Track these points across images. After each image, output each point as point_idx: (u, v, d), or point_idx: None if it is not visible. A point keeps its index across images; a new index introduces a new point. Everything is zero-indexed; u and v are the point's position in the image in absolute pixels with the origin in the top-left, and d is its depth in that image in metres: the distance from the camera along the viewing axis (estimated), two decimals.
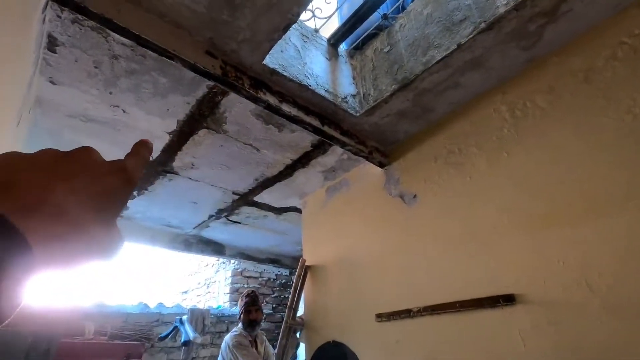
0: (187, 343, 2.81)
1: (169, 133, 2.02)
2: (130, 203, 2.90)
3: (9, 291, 0.16)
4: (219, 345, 3.83)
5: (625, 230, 1.19)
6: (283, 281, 5.12)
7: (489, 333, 1.45)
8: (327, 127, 1.83)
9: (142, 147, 0.30)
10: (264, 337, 2.61)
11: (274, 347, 2.47)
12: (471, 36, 1.42)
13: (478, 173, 1.68)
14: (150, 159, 2.23)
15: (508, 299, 1.41)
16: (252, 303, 2.45)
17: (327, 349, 2.20)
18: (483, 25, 1.38)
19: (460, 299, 1.57)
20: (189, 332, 2.88)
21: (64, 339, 1.78)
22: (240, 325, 2.44)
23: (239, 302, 2.56)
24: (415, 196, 1.95)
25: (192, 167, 2.38)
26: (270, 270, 5.05)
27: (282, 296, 4.99)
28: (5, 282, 0.16)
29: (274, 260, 4.55)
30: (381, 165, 2.18)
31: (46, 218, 0.19)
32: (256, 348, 2.40)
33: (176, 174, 2.46)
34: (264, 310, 4.74)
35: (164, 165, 2.35)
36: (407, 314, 1.78)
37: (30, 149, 1.40)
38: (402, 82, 1.67)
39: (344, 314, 2.17)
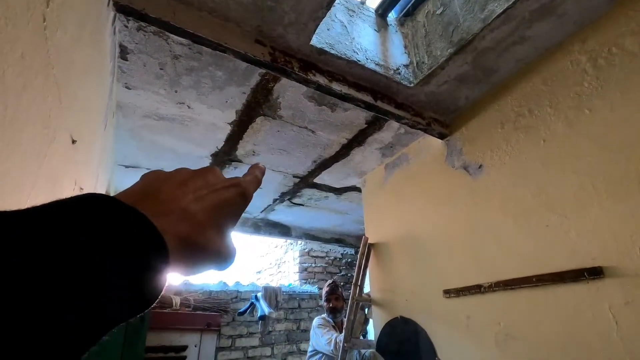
0: (263, 317, 3.05)
1: (230, 123, 2.14)
2: None
3: (154, 280, 0.20)
4: (292, 320, 4.09)
5: None
6: (349, 260, 5.21)
7: (572, 310, 1.33)
8: (381, 101, 1.79)
9: (255, 168, 0.35)
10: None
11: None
12: None
13: (554, 135, 1.51)
14: (216, 149, 2.41)
15: (594, 272, 1.27)
16: (331, 292, 2.70)
17: (396, 324, 2.21)
18: None
19: (536, 274, 1.46)
20: (264, 307, 3.11)
21: (156, 309, 2.05)
22: (325, 314, 2.73)
23: (322, 292, 2.86)
24: (480, 166, 1.83)
25: (253, 154, 2.51)
26: (336, 250, 5.17)
27: (348, 274, 5.09)
28: (150, 272, 0.20)
29: (338, 240, 4.64)
30: (441, 136, 2.07)
31: (176, 220, 0.23)
32: (341, 332, 2.60)
33: (240, 162, 2.61)
34: None
35: (228, 155, 2.51)
36: (477, 289, 1.70)
37: (117, 149, 1.61)
38: (458, 43, 1.55)
39: (410, 290, 2.15)
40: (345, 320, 2.67)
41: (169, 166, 2.66)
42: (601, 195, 1.31)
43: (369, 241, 2.55)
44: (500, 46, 1.55)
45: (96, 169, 1.77)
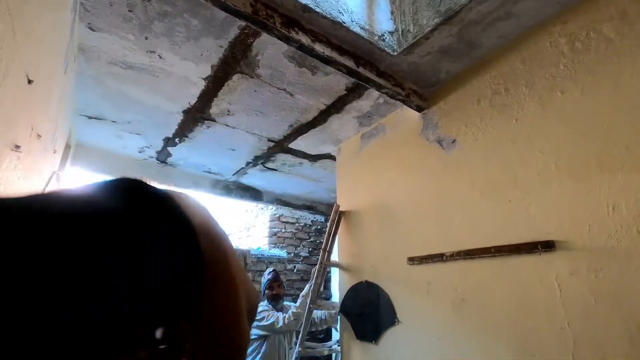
0: None
1: (204, 79, 2.03)
2: (173, 150, 3.05)
3: None
4: (259, 282, 4.17)
5: None
6: (318, 227, 5.31)
7: (524, 278, 1.44)
8: (362, 68, 1.75)
9: None
10: (292, 307, 2.81)
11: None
12: None
13: (526, 115, 1.56)
14: (188, 105, 2.30)
15: (547, 245, 1.37)
16: (273, 279, 2.73)
17: (360, 288, 2.31)
18: None
19: (495, 245, 1.55)
20: None
21: None
22: (265, 301, 2.71)
23: (262, 279, 2.85)
24: (454, 141, 1.87)
25: (228, 114, 2.42)
26: (306, 217, 5.24)
27: (317, 241, 5.21)
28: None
29: (309, 207, 4.69)
30: (419, 109, 2.08)
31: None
32: None
33: (213, 120, 2.52)
34: (302, 254, 5.03)
35: (201, 112, 2.41)
36: (439, 257, 1.80)
37: (79, 97, 1.48)
38: (445, 14, 1.52)
39: (377, 257, 2.24)
40: (285, 305, 2.80)
41: (135, 120, 2.53)
42: (562, 175, 1.38)
43: (340, 209, 2.59)
44: (486, 20, 1.54)
45: (55, 115, 1.64)
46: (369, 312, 2.18)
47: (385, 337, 2.04)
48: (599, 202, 1.26)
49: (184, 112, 2.40)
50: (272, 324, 2.46)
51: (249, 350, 2.55)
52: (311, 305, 2.39)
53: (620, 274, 1.18)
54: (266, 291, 2.72)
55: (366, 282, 2.27)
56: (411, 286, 1.95)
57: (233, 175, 3.65)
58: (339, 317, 2.50)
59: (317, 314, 2.71)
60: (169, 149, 3.02)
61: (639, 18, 1.26)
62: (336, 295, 3.08)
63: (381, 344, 2.06)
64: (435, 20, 1.56)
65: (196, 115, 2.45)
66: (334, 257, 2.69)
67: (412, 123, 2.16)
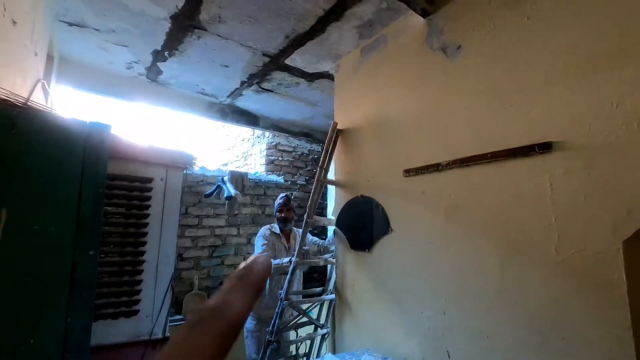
0: (229, 198, 3.15)
1: None
2: (163, 66, 2.91)
3: None
4: (257, 205, 4.30)
5: None
6: (315, 157, 5.32)
7: (517, 180, 1.47)
8: None
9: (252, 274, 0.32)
10: (298, 234, 3.03)
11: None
12: None
13: (539, 12, 1.46)
14: (176, 9, 2.13)
15: (544, 147, 1.37)
16: (284, 204, 2.98)
17: (356, 202, 2.38)
18: None
19: (493, 150, 1.56)
20: (230, 189, 3.19)
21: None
22: (275, 223, 3.01)
23: (275, 202, 3.08)
24: (459, 47, 1.78)
25: (219, 21, 2.25)
26: (304, 146, 5.23)
27: (314, 170, 5.26)
28: None
29: (307, 134, 4.65)
30: (424, 13, 1.94)
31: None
32: (287, 240, 2.98)
33: (204, 29, 2.35)
34: (299, 182, 5.11)
35: (190, 19, 2.24)
36: (435, 167, 1.82)
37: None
38: None
39: (373, 172, 2.27)
40: (294, 229, 3.04)
41: (120, 29, 2.36)
42: (570, 74, 1.33)
43: (337, 127, 2.56)
44: None
45: (30, 9, 1.51)
46: (364, 223, 2.27)
47: (378, 246, 2.15)
48: (603, 99, 1.23)
49: (172, 17, 2.23)
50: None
51: None
52: (308, 220, 2.48)
53: (614, 169, 1.20)
54: (277, 214, 2.99)
55: (362, 196, 2.33)
56: (406, 197, 2.00)
57: (228, 97, 3.54)
58: (333, 245, 2.65)
59: (313, 241, 2.96)
60: (159, 64, 2.87)
61: None
62: (330, 211, 3.19)
63: (374, 252, 2.18)
64: None
65: (185, 23, 2.28)
66: (331, 176, 2.72)
67: (416, 31, 2.04)
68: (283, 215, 2.96)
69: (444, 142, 1.81)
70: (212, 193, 3.43)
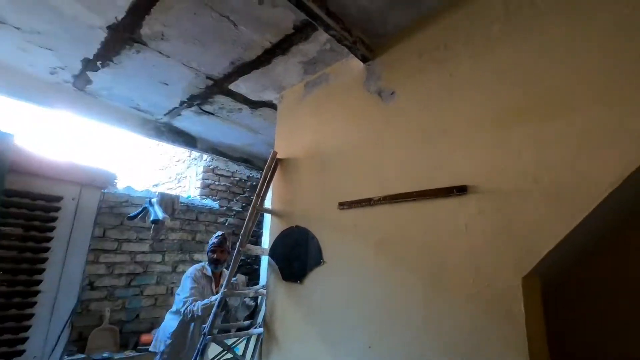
0: (155, 222, 2.93)
1: None
2: (94, 76, 2.70)
3: None
4: (188, 231, 4.05)
5: (578, 131, 1.26)
6: (254, 183, 5.25)
7: (439, 218, 1.59)
8: (312, 2, 1.69)
9: None
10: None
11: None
12: None
13: (461, 69, 1.66)
14: (115, 20, 2.03)
15: (461, 189, 1.52)
16: (218, 244, 2.81)
17: (291, 232, 2.36)
18: None
19: (419, 189, 1.68)
20: (158, 212, 2.98)
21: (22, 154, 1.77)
22: (206, 262, 2.85)
23: (209, 240, 2.91)
24: (393, 93, 1.94)
25: (162, 38, 2.19)
26: (243, 171, 5.13)
27: (251, 197, 5.16)
28: None
29: (247, 160, 4.59)
30: (364, 59, 2.10)
31: None
32: (216, 284, 2.81)
33: (145, 44, 2.26)
34: (235, 208, 4.95)
35: (130, 32, 2.14)
36: (367, 202, 1.90)
37: None
38: None
39: (310, 203, 2.29)
40: (225, 270, 2.88)
41: (47, 31, 2.17)
42: (484, 126, 1.52)
43: (277, 156, 2.57)
44: None
45: None
46: (297, 254, 2.26)
47: (310, 277, 2.14)
48: (508, 151, 1.42)
49: (109, 28, 2.12)
50: (182, 299, 2.57)
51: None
52: (241, 249, 2.39)
53: (516, 213, 1.36)
54: (209, 254, 2.82)
55: (297, 226, 2.32)
56: (339, 229, 2.04)
57: (165, 115, 3.38)
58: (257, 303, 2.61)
59: (235, 301, 2.77)
60: (89, 73, 2.67)
61: None
62: (266, 241, 3.11)
63: (306, 283, 2.15)
64: None
65: (124, 35, 2.18)
66: (268, 204, 2.69)
67: (356, 73, 2.18)
68: (215, 256, 2.80)
69: (377, 178, 1.91)
70: (136, 215, 3.17)
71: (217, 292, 2.70)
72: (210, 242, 2.84)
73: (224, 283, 2.32)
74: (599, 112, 1.23)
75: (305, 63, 2.37)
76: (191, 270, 2.74)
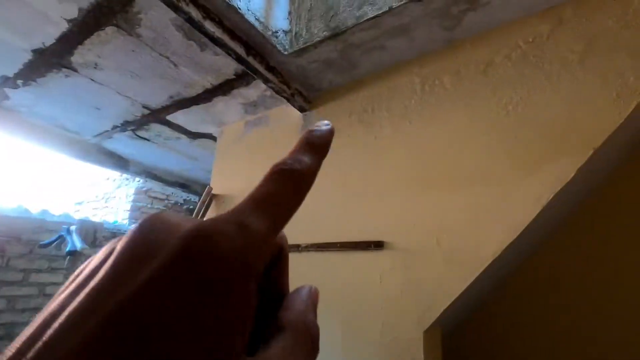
0: (72, 253, 2.70)
1: (68, 21, 1.74)
2: (12, 92, 2.49)
3: None
4: None
5: (470, 203, 1.47)
6: (191, 207, 5.07)
7: (358, 269, 1.72)
8: (252, 58, 1.78)
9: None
10: None
11: None
12: (403, 2, 1.47)
13: (383, 134, 1.85)
14: (42, 45, 1.92)
15: (378, 245, 1.67)
16: None
17: None
18: None
19: (341, 240, 1.80)
20: (76, 242, 2.76)
21: None
22: None
23: None
24: None
25: (95, 68, 2.12)
26: (179, 195, 4.95)
27: None
28: None
29: (183, 185, 4.45)
30: (301, 109, 2.23)
31: None
32: None
33: (75, 71, 2.16)
34: None
35: (59, 58, 2.04)
36: (296, 248, 1.97)
37: None
38: (333, 30, 1.68)
39: None
40: None
41: None
42: (400, 189, 1.70)
43: (212, 191, 2.56)
44: (365, 46, 1.76)
45: None
46: None
47: None
48: (417, 213, 1.60)
49: (34, 51, 2.00)
50: None
51: None
52: None
53: (421, 271, 1.53)
54: None
55: None
56: None
57: (95, 137, 3.19)
58: None
59: None
60: (6, 90, 2.46)
61: (466, 77, 1.64)
62: None
63: None
64: (325, 33, 1.71)
65: (52, 60, 2.07)
66: None
67: (294, 120, 2.30)
68: None
69: (306, 225, 2.00)
70: (50, 243, 2.90)
71: None
72: None
73: None
74: (483, 190, 1.46)
75: (245, 104, 2.44)
76: None
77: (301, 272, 1.92)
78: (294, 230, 2.01)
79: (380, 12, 1.53)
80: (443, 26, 1.60)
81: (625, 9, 1.33)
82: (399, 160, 1.75)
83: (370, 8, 1.57)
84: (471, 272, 1.42)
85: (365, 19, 1.58)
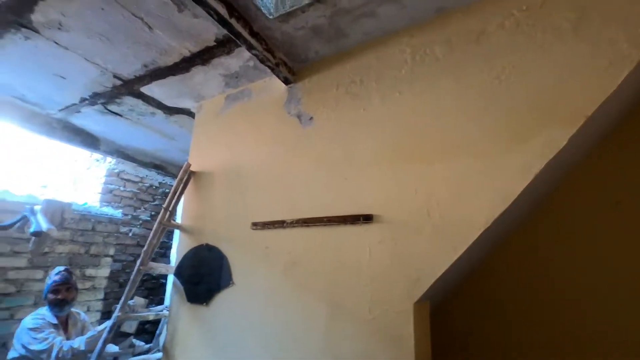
0: (37, 234, 2.51)
1: None
2: None
3: None
4: (80, 243, 3.56)
5: (460, 173, 1.45)
6: (166, 190, 4.87)
7: (346, 244, 1.67)
8: (235, 20, 1.66)
9: None
10: (80, 317, 2.48)
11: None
12: None
13: (371, 106, 1.79)
14: None
15: (367, 218, 1.62)
16: (62, 282, 2.31)
17: (200, 250, 2.25)
18: None
19: (328, 215, 1.75)
20: (41, 222, 2.56)
21: None
22: (46, 307, 2.29)
23: (48, 279, 2.37)
24: (311, 118, 1.99)
25: (59, 28, 1.92)
26: (153, 177, 4.73)
27: (162, 205, 4.79)
28: None
29: (159, 166, 4.26)
30: (286, 82, 2.13)
31: None
32: (66, 330, 2.30)
33: (36, 32, 1.96)
34: (142, 217, 4.52)
35: (17, 15, 1.84)
36: (280, 224, 1.90)
37: None
38: None
39: (222, 221, 2.21)
40: (74, 312, 2.46)
41: None
42: (389, 161, 1.65)
43: (190, 168, 2.44)
44: (355, 12, 1.68)
45: None
46: (205, 274, 2.15)
47: (216, 299, 2.05)
48: (408, 185, 1.56)
49: None
50: (45, 350, 2.04)
51: None
52: (141, 268, 2.19)
53: (410, 243, 1.50)
54: (49, 295, 2.27)
55: (207, 244, 2.22)
56: (251, 250, 2.01)
57: (60, 111, 2.96)
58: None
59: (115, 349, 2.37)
60: None
61: (457, 47, 1.59)
62: (174, 258, 2.91)
63: (212, 305, 2.06)
64: None
65: (8, 17, 1.86)
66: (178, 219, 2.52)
67: (278, 94, 2.20)
68: (60, 296, 2.26)
69: (291, 200, 1.93)
70: (11, 225, 2.68)
71: (68, 339, 2.20)
72: (51, 281, 2.31)
73: (118, 306, 2.09)
74: (474, 160, 1.43)
75: (226, 76, 2.31)
76: (31, 321, 2.17)
77: (284, 250, 1.86)
78: (278, 207, 1.94)
79: None
80: None
81: None
82: (388, 132, 1.70)
83: None
84: (461, 243, 1.40)
85: None
